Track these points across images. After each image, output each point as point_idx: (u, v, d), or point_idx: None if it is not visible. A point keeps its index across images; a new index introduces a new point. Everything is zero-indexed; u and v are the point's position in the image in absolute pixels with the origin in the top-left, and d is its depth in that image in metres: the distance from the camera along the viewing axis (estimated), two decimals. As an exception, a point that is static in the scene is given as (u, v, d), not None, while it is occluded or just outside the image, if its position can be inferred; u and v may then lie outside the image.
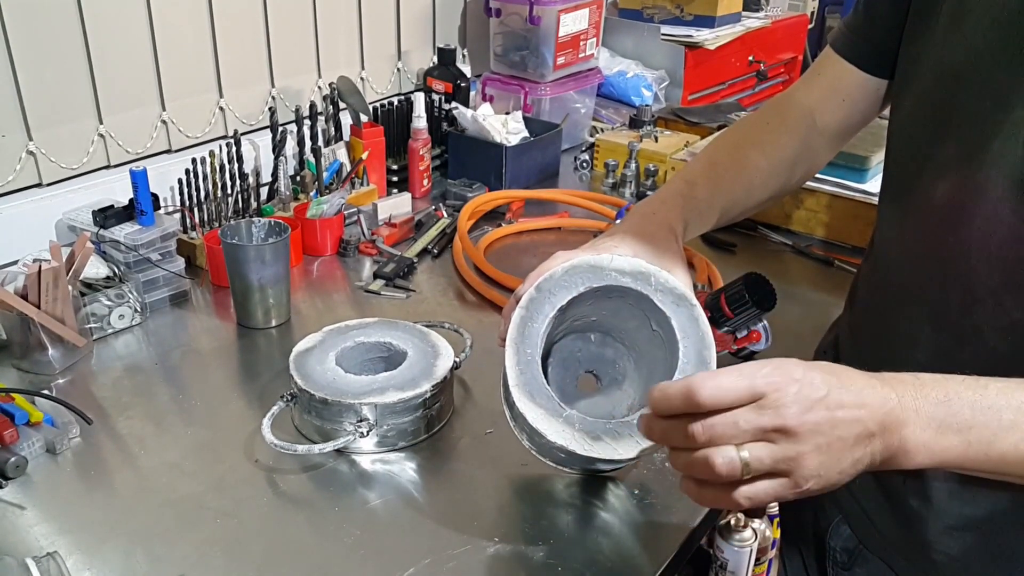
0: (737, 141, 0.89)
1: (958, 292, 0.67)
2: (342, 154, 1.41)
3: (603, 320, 0.78)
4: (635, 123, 1.63)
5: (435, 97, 1.57)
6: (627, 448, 0.70)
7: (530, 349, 0.70)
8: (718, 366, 1.01)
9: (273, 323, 1.07)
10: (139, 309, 1.06)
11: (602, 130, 1.71)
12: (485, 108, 1.55)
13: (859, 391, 0.55)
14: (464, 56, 1.78)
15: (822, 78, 0.87)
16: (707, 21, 1.98)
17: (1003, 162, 0.61)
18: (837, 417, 0.54)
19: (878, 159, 1.23)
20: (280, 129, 1.32)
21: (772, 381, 0.53)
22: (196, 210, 1.21)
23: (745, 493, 0.55)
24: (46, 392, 0.88)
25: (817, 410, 0.53)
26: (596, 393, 0.80)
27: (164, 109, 1.32)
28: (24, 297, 0.93)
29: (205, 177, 1.21)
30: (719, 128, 1.58)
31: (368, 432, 0.82)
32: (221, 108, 1.39)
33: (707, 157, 0.88)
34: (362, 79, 1.61)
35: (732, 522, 0.82)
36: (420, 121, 1.44)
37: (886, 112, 0.82)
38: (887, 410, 0.55)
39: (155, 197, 1.11)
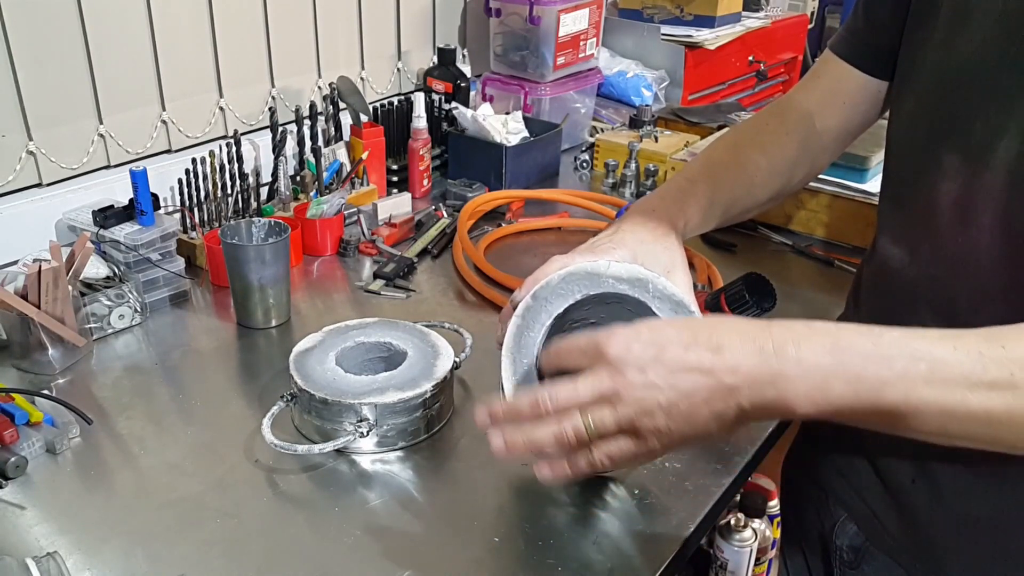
0: (737, 141, 0.89)
1: (967, 292, 0.67)
2: (342, 154, 1.41)
3: (601, 322, 0.77)
4: (635, 123, 1.63)
5: (435, 97, 1.57)
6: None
7: (526, 359, 0.70)
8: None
9: (273, 323, 1.07)
10: (139, 309, 1.06)
11: (602, 130, 1.71)
12: (485, 108, 1.55)
13: (717, 346, 0.55)
14: (464, 56, 1.78)
15: (822, 81, 0.87)
16: (707, 21, 1.98)
17: (1008, 162, 0.61)
18: (678, 374, 0.55)
19: (878, 159, 1.23)
20: (280, 129, 1.32)
21: (603, 345, 0.57)
22: (196, 210, 1.21)
23: (603, 451, 0.59)
24: (46, 392, 0.88)
25: (653, 369, 0.56)
26: None
27: (164, 109, 1.32)
28: (24, 297, 0.93)
29: (205, 177, 1.21)
30: (719, 128, 1.58)
31: (368, 432, 0.82)
32: (221, 108, 1.39)
33: (707, 157, 0.88)
34: (362, 79, 1.61)
35: (732, 522, 0.82)
36: (420, 121, 1.44)
37: (887, 113, 0.82)
38: (756, 362, 0.54)
39: (155, 197, 1.11)
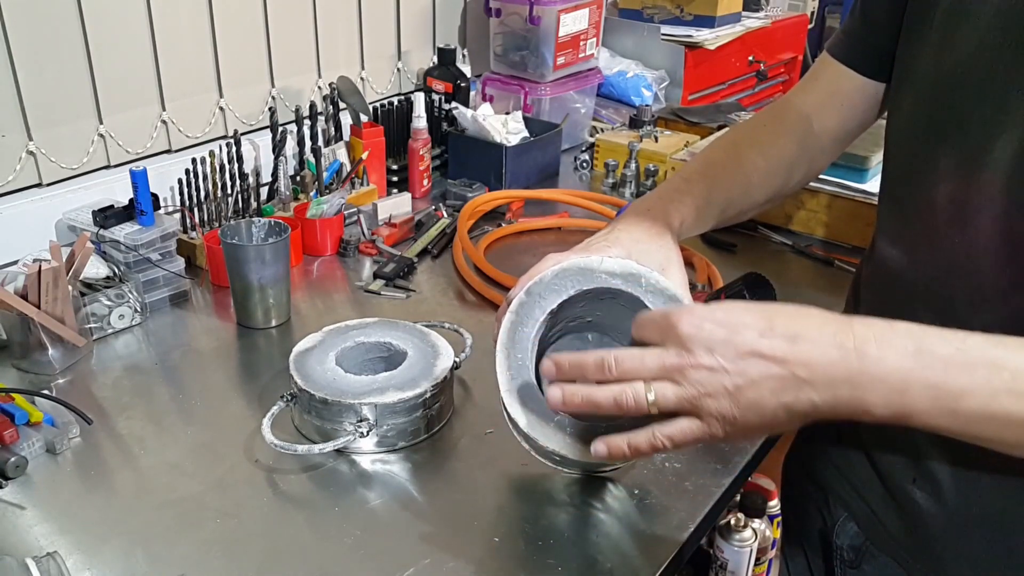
0: (735, 141, 0.89)
1: (966, 291, 0.67)
2: (342, 154, 1.41)
3: (599, 320, 0.78)
4: (635, 123, 1.63)
5: (435, 97, 1.57)
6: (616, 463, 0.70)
7: (520, 354, 0.70)
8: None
9: (273, 323, 1.07)
10: (139, 309, 1.06)
11: (602, 130, 1.71)
12: (485, 108, 1.55)
13: (794, 336, 0.54)
14: (464, 56, 1.78)
15: (820, 82, 0.87)
16: (707, 21, 1.98)
17: (1006, 162, 0.61)
18: (748, 359, 0.54)
19: (878, 159, 1.24)
20: (280, 129, 1.32)
21: (677, 320, 0.56)
22: (196, 210, 1.21)
23: (665, 432, 0.58)
24: (46, 392, 0.88)
25: (722, 351, 0.54)
26: None
27: (164, 109, 1.32)
28: (24, 297, 0.93)
29: (205, 177, 1.21)
30: (719, 128, 1.58)
31: (368, 432, 0.82)
32: (221, 108, 1.39)
33: (705, 157, 0.88)
34: (362, 79, 1.61)
35: (732, 522, 0.82)
36: (420, 121, 1.44)
37: (886, 114, 0.82)
38: (834, 359, 0.53)
39: (155, 197, 1.11)
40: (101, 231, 1.08)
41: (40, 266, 0.92)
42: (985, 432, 0.54)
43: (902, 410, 0.53)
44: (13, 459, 0.79)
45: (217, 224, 1.22)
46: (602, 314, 0.76)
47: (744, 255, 1.28)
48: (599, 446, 0.62)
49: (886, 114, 0.81)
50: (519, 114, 1.56)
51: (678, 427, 0.58)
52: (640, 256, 0.73)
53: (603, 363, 0.58)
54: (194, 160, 1.19)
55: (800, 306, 0.57)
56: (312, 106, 1.35)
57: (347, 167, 1.40)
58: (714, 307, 0.57)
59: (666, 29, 1.96)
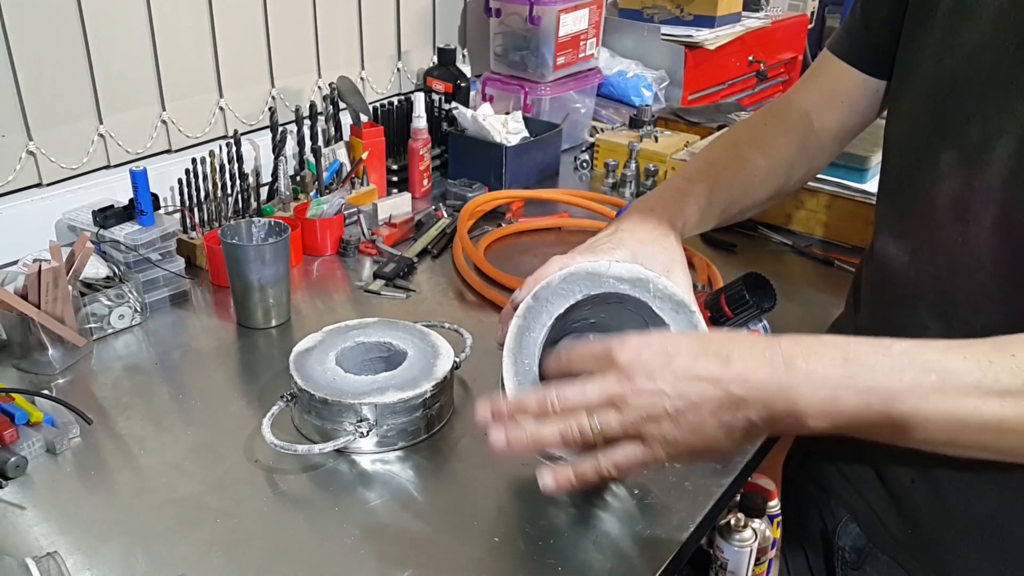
0: (736, 140, 0.89)
1: (966, 291, 0.67)
2: (342, 154, 1.41)
3: (602, 322, 0.77)
4: (635, 123, 1.63)
5: (435, 97, 1.57)
6: None
7: (527, 360, 0.70)
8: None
9: (273, 323, 1.07)
10: (139, 309, 1.06)
11: (602, 130, 1.71)
12: (485, 108, 1.55)
13: (727, 356, 0.55)
14: (464, 56, 1.78)
15: (820, 80, 0.87)
16: (707, 21, 1.98)
17: (1006, 161, 0.61)
18: (686, 382, 0.56)
19: (878, 159, 1.23)
20: (280, 129, 1.32)
21: (614, 351, 0.58)
22: (196, 210, 1.21)
23: (610, 458, 0.59)
24: (46, 392, 0.88)
25: (661, 376, 0.56)
26: None
27: (164, 109, 1.32)
28: (24, 297, 0.93)
29: (205, 177, 1.21)
30: (719, 128, 1.58)
31: (368, 432, 0.82)
32: (221, 108, 1.39)
33: (705, 156, 0.88)
34: (362, 79, 1.61)
35: (732, 522, 0.82)
36: (420, 121, 1.44)
37: (886, 112, 0.82)
38: (765, 374, 0.55)
39: (155, 197, 1.11)
40: (101, 231, 1.08)
41: (40, 266, 0.92)
42: (916, 435, 0.54)
43: (837, 419, 0.54)
44: (13, 459, 0.79)
45: (217, 224, 1.22)
46: (606, 316, 0.76)
47: (744, 255, 1.28)
48: (547, 479, 0.63)
49: (886, 113, 0.81)
50: (519, 114, 1.56)
51: (622, 453, 0.59)
52: (645, 257, 0.73)
53: (544, 400, 0.60)
54: (194, 160, 1.19)
55: (731, 332, 0.59)
56: (312, 106, 1.35)
57: (347, 167, 1.40)
58: (650, 336, 0.59)
59: (666, 29, 1.96)
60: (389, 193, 1.44)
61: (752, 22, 2.13)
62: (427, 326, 0.95)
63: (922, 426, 0.54)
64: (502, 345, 0.71)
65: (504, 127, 1.50)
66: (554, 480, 0.62)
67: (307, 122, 1.34)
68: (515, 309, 0.71)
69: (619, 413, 0.58)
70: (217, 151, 1.22)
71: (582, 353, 0.61)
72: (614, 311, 0.74)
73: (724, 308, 0.87)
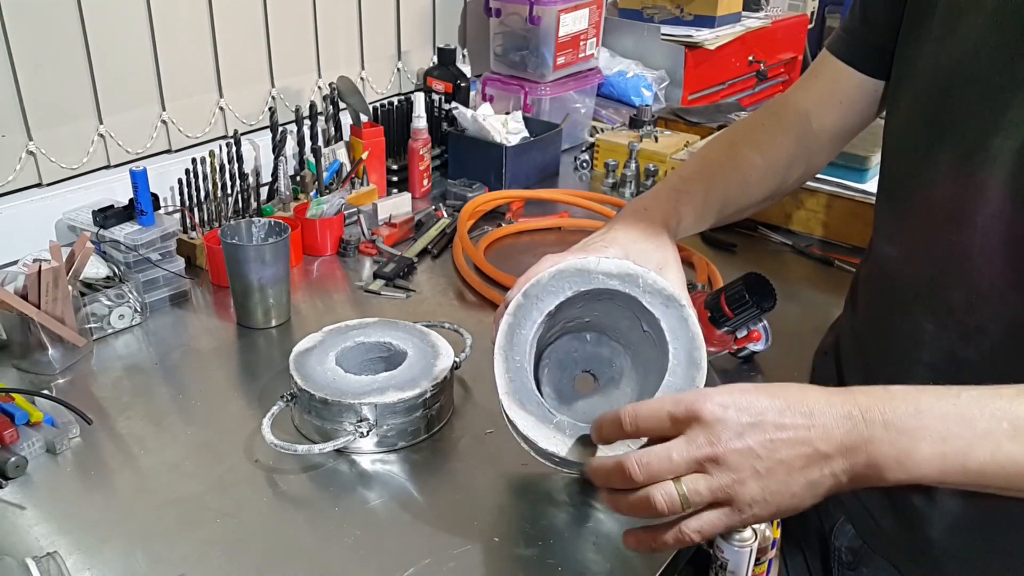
0: (732, 140, 0.89)
1: (962, 290, 0.67)
2: (342, 154, 1.41)
3: (596, 320, 0.78)
4: (635, 123, 1.63)
5: (435, 97, 1.57)
6: (620, 453, 0.70)
7: (519, 356, 0.70)
8: (719, 366, 1.01)
9: (273, 323, 1.07)
10: (139, 309, 1.06)
11: (602, 130, 1.71)
12: (485, 108, 1.55)
13: (808, 412, 0.54)
14: (464, 56, 1.78)
15: (819, 80, 0.87)
16: (707, 21, 1.98)
17: (1003, 161, 0.61)
18: (776, 440, 0.54)
19: (878, 159, 1.23)
20: (280, 129, 1.32)
21: (696, 408, 0.54)
22: (196, 210, 1.21)
23: (693, 527, 0.56)
24: (46, 392, 0.88)
25: (751, 434, 0.54)
26: (594, 393, 0.80)
27: (164, 109, 1.32)
28: (24, 297, 0.93)
29: (205, 177, 1.21)
30: (719, 128, 1.58)
31: (368, 432, 0.82)
32: (221, 108, 1.39)
33: (702, 155, 0.88)
34: (362, 79, 1.61)
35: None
36: (420, 121, 1.44)
37: (884, 113, 0.82)
38: (846, 429, 0.54)
39: (155, 197, 1.11)
40: (101, 231, 1.08)
41: (40, 266, 0.92)
42: (993, 482, 0.54)
43: (914, 471, 0.54)
44: (13, 459, 0.79)
45: (217, 224, 1.22)
46: (600, 314, 0.76)
47: (744, 255, 1.28)
48: (629, 539, 0.60)
49: (885, 113, 0.81)
50: (519, 114, 1.56)
51: (706, 519, 0.56)
52: (637, 256, 0.73)
53: (624, 469, 0.56)
54: (194, 160, 1.19)
55: (794, 384, 0.57)
56: (312, 106, 1.35)
57: (347, 167, 1.40)
58: (728, 389, 0.56)
59: (666, 29, 1.96)
60: (389, 193, 1.44)
61: (752, 22, 2.13)
62: (427, 326, 0.95)
63: (997, 474, 0.53)
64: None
65: (504, 127, 1.50)
66: (635, 542, 0.60)
67: (307, 122, 1.34)
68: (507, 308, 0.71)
69: (708, 477, 0.55)
70: (217, 151, 1.22)
71: (653, 413, 0.57)
72: (606, 308, 0.74)
73: (724, 308, 0.87)
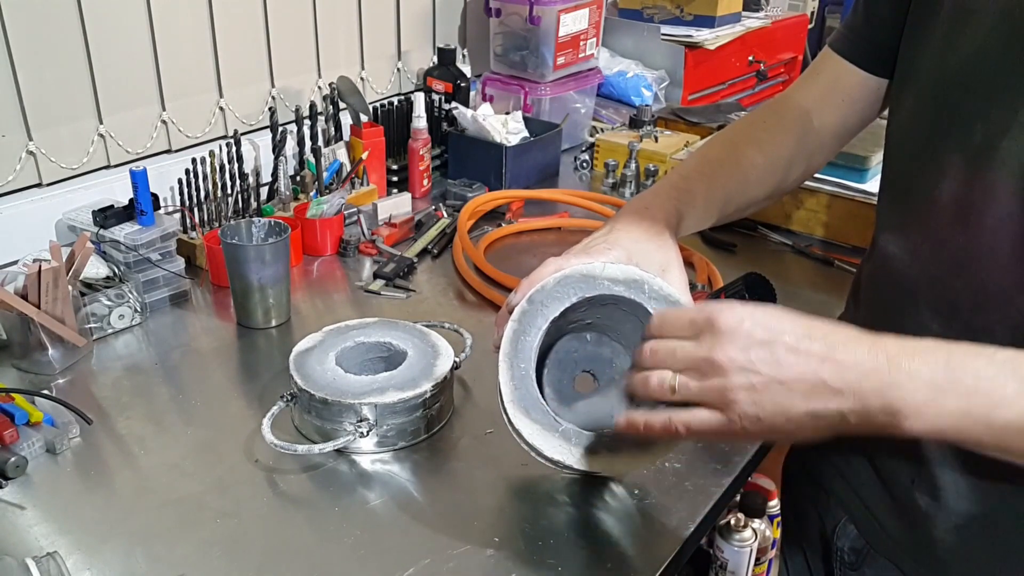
0: (733, 138, 0.89)
1: (968, 291, 0.67)
2: (342, 154, 1.41)
3: (598, 321, 0.77)
4: (635, 123, 1.63)
5: (435, 97, 1.57)
6: (624, 461, 0.70)
7: (523, 364, 0.70)
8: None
9: (273, 323, 1.07)
10: (139, 309, 1.06)
11: (602, 130, 1.71)
12: (485, 108, 1.55)
13: (830, 344, 0.55)
14: (464, 56, 1.78)
15: (821, 78, 0.87)
16: (707, 21, 1.98)
17: (1013, 161, 0.61)
18: (782, 361, 0.55)
19: (878, 159, 1.23)
20: (280, 129, 1.32)
21: (714, 317, 0.57)
22: (196, 210, 1.21)
23: (681, 418, 0.59)
24: (46, 392, 0.88)
25: (756, 350, 0.55)
26: (594, 393, 0.80)
27: (164, 109, 1.32)
28: (24, 297, 0.93)
29: (205, 177, 1.21)
30: (719, 128, 1.58)
31: (368, 432, 0.82)
32: (221, 108, 1.39)
33: (702, 154, 0.88)
34: (362, 79, 1.61)
35: (732, 522, 0.82)
36: (420, 121, 1.44)
37: (886, 112, 0.82)
38: (866, 370, 0.54)
39: (155, 197, 1.11)
40: (101, 231, 1.08)
41: (40, 266, 0.92)
42: (1014, 444, 0.54)
43: (935, 422, 0.54)
44: (13, 459, 0.79)
45: (217, 224, 1.22)
46: (602, 317, 0.76)
47: (744, 255, 1.28)
48: (621, 420, 0.64)
49: (885, 112, 0.81)
50: (519, 114, 1.56)
51: (696, 416, 0.58)
52: (640, 257, 0.73)
53: (643, 352, 0.61)
54: (194, 160, 1.19)
55: (832, 321, 0.57)
56: (312, 106, 1.35)
57: (347, 167, 1.40)
58: (753, 307, 0.57)
59: (666, 29, 1.96)
60: (389, 193, 1.44)
61: (752, 22, 2.13)
62: (427, 326, 0.95)
63: (1018, 435, 0.53)
64: (498, 348, 0.71)
65: (504, 127, 1.50)
66: (627, 421, 0.63)
67: (307, 122, 1.34)
68: (510, 312, 0.71)
69: (702, 377, 0.57)
70: (217, 151, 1.22)
71: (677, 318, 0.60)
72: (610, 311, 0.74)
73: (724, 308, 0.86)
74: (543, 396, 0.71)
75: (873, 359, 0.54)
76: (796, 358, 0.54)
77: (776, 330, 0.56)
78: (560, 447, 0.69)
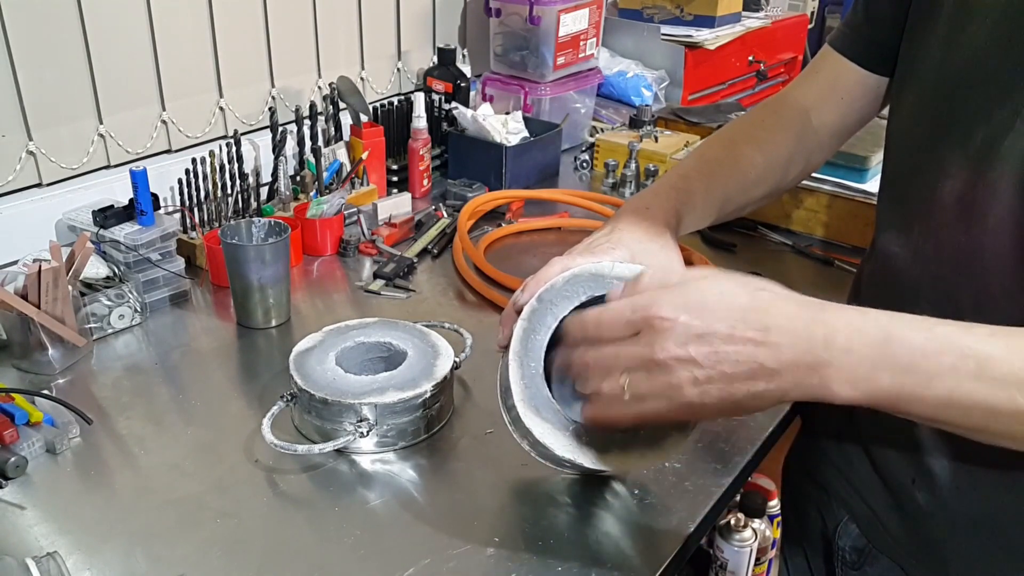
0: (732, 137, 0.89)
1: (970, 291, 0.67)
2: (342, 154, 1.41)
3: None
4: (635, 123, 1.63)
5: (435, 97, 1.57)
6: (636, 460, 0.70)
7: (534, 363, 0.70)
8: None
9: (273, 323, 1.07)
10: (139, 309, 1.06)
11: (602, 130, 1.71)
12: (485, 108, 1.55)
13: (765, 327, 0.55)
14: (464, 56, 1.78)
15: (820, 76, 0.87)
16: (707, 21, 1.98)
17: (1015, 160, 0.61)
18: (720, 352, 0.55)
19: (878, 159, 1.23)
20: (280, 129, 1.32)
21: (650, 316, 0.57)
22: (196, 210, 1.21)
23: (634, 410, 0.60)
24: (46, 392, 0.88)
25: (695, 345, 0.56)
26: None
27: (164, 109, 1.32)
28: (24, 297, 0.93)
29: (205, 177, 1.21)
30: (719, 128, 1.58)
31: (368, 432, 0.82)
32: (221, 108, 1.39)
33: (701, 153, 0.88)
34: (362, 79, 1.61)
35: (732, 522, 0.82)
36: (420, 121, 1.44)
37: (885, 112, 0.82)
38: (802, 349, 0.54)
39: (155, 197, 1.11)
40: (101, 231, 1.08)
41: (40, 266, 0.92)
42: (947, 417, 0.54)
43: (870, 395, 0.54)
44: (13, 459, 0.79)
45: (217, 224, 1.22)
46: None
47: (744, 255, 1.28)
48: (586, 410, 0.64)
49: (885, 111, 0.81)
50: (519, 114, 1.56)
51: (650, 406, 0.60)
52: (643, 257, 0.73)
53: (584, 362, 0.62)
54: (194, 160, 1.19)
55: (774, 290, 0.58)
56: (312, 106, 1.35)
57: (347, 167, 1.40)
58: (683, 291, 0.58)
59: (666, 29, 1.96)
60: (389, 193, 1.44)
61: (752, 22, 2.13)
62: (427, 326, 0.95)
63: (956, 409, 0.53)
64: (502, 347, 0.71)
65: (504, 127, 1.50)
66: (591, 414, 0.63)
67: (307, 122, 1.34)
68: (516, 311, 0.71)
69: (650, 376, 0.58)
70: (217, 151, 1.22)
71: (613, 318, 0.60)
72: None
73: (724, 308, 0.86)
74: (556, 401, 0.71)
75: (807, 338, 0.54)
76: (733, 347, 0.55)
77: (711, 319, 0.56)
78: (571, 446, 0.69)
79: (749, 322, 0.55)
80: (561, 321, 0.70)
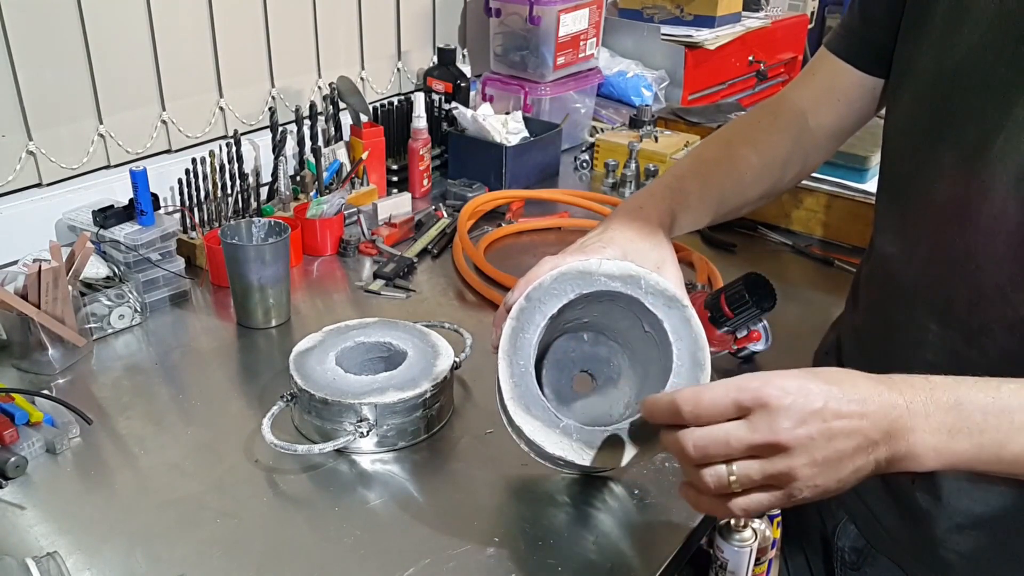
0: (728, 138, 0.89)
1: (965, 290, 0.67)
2: (342, 154, 1.41)
3: (595, 320, 0.78)
4: (635, 123, 1.63)
5: (435, 97, 1.57)
6: (626, 456, 0.70)
7: (523, 360, 0.70)
8: (718, 366, 1.01)
9: (273, 323, 1.07)
10: (139, 309, 1.06)
11: (602, 130, 1.71)
12: (485, 108, 1.55)
13: (862, 400, 0.54)
14: (464, 56, 1.78)
15: (817, 77, 0.87)
16: (707, 21, 1.98)
17: (1007, 160, 0.61)
18: (834, 429, 0.53)
19: (878, 159, 1.23)
20: (280, 129, 1.32)
21: (762, 395, 0.54)
22: (196, 210, 1.21)
23: (740, 505, 0.56)
24: (46, 392, 0.88)
25: (812, 423, 0.53)
26: (592, 392, 0.80)
27: (164, 109, 1.32)
28: (24, 297, 0.93)
29: (205, 177, 1.21)
30: (719, 128, 1.58)
31: (368, 432, 0.82)
32: (221, 108, 1.39)
33: (697, 153, 0.88)
34: (362, 79, 1.61)
35: (732, 522, 0.82)
36: (420, 121, 1.44)
37: (884, 112, 0.82)
38: (892, 417, 0.54)
39: (155, 197, 1.11)
40: (101, 231, 1.08)
41: (40, 266, 0.92)
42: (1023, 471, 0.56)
43: (951, 461, 0.55)
44: (13, 459, 0.79)
45: (217, 224, 1.22)
46: (599, 315, 0.76)
47: (744, 255, 1.28)
48: (682, 490, 0.60)
49: (883, 112, 0.81)
50: (519, 114, 1.56)
51: (756, 500, 0.56)
52: (635, 255, 0.73)
53: (684, 449, 0.56)
54: (194, 160, 1.19)
55: (839, 369, 0.57)
56: (312, 106, 1.35)
57: (347, 167, 1.40)
58: (785, 376, 0.55)
59: (666, 29, 1.96)
60: (389, 193, 1.44)
61: (752, 22, 2.13)
62: (427, 326, 0.95)
63: None
64: (497, 348, 0.71)
65: (504, 127, 1.50)
66: (685, 496, 0.60)
67: (307, 122, 1.34)
68: (508, 311, 0.71)
69: (764, 462, 0.54)
70: (217, 151, 1.22)
71: (717, 401, 0.55)
72: (606, 309, 0.74)
73: (724, 308, 0.87)
74: (546, 398, 0.71)
75: (893, 405, 0.55)
76: (841, 422, 0.53)
77: (820, 397, 0.54)
78: (561, 443, 0.69)
79: (848, 396, 0.54)
80: (550, 320, 0.71)
